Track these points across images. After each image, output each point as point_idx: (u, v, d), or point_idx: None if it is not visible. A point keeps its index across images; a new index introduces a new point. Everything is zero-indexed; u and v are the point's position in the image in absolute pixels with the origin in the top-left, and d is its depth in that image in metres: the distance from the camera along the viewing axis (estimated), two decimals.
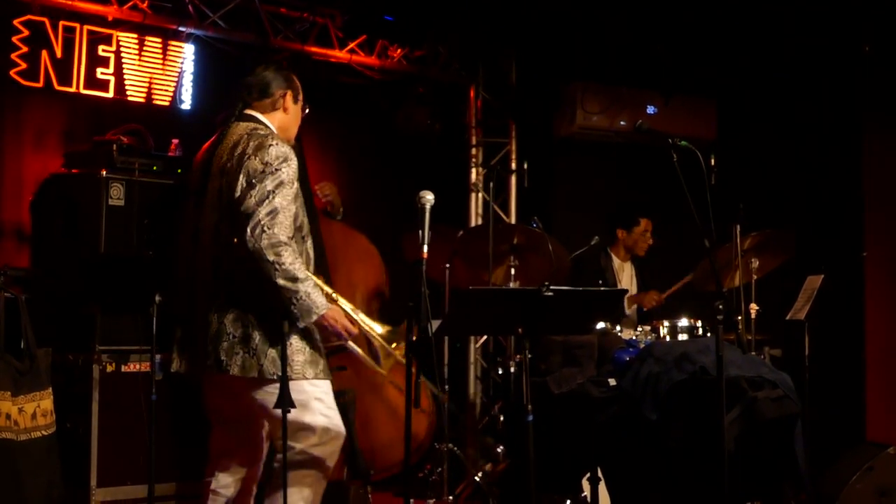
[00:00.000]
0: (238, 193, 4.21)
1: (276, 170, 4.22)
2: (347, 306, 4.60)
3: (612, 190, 8.88)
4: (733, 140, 8.72)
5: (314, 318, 4.24)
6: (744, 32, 8.11)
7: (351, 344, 4.66)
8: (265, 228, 4.13)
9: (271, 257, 4.13)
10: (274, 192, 4.19)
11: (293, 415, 4.23)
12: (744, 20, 7.96)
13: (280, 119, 4.56)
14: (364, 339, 4.76)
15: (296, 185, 4.31)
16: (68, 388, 5.97)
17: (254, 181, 4.19)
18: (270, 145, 4.27)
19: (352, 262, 5.95)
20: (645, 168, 8.17)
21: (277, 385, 4.19)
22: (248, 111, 4.51)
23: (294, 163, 4.30)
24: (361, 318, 4.62)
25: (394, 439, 5.67)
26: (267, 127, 4.46)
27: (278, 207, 4.18)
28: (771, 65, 8.43)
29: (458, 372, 8.32)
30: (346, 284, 5.87)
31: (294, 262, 4.18)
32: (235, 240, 4.22)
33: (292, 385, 4.22)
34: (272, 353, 4.23)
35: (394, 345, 4.90)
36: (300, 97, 4.65)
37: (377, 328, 4.81)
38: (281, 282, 4.15)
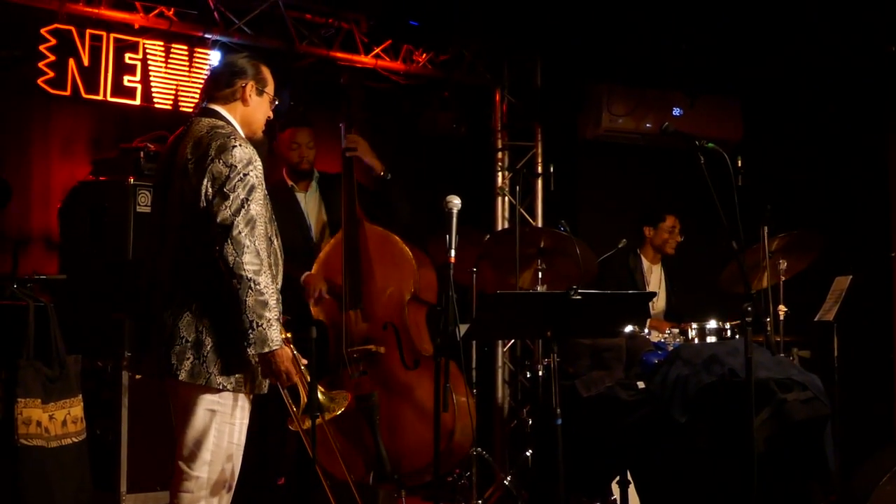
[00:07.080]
0: (206, 200, 4.00)
1: (245, 175, 4.00)
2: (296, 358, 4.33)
3: (639, 192, 8.84)
4: (760, 141, 8.68)
5: (265, 350, 3.98)
6: (769, 33, 8.08)
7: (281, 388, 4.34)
8: (245, 243, 3.94)
9: (249, 275, 3.92)
10: (248, 199, 3.98)
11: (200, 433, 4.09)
12: (768, 21, 7.93)
13: (241, 112, 4.27)
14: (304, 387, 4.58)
15: (262, 186, 4.09)
16: (98, 395, 6.01)
17: (225, 189, 3.97)
18: (234, 146, 4.04)
19: (388, 266, 5.91)
20: (671, 170, 8.15)
21: (223, 396, 4.07)
22: (211, 105, 4.29)
23: (259, 164, 4.08)
24: (304, 370, 4.39)
25: (420, 443, 5.65)
26: (229, 123, 4.22)
27: (255, 216, 3.99)
28: (796, 65, 8.39)
29: (486, 376, 8.32)
30: (379, 290, 5.86)
31: (268, 287, 3.98)
32: (198, 246, 4.03)
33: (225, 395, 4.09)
34: (222, 362, 4.02)
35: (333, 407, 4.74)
36: (267, 90, 4.34)
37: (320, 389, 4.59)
38: (251, 302, 3.92)
